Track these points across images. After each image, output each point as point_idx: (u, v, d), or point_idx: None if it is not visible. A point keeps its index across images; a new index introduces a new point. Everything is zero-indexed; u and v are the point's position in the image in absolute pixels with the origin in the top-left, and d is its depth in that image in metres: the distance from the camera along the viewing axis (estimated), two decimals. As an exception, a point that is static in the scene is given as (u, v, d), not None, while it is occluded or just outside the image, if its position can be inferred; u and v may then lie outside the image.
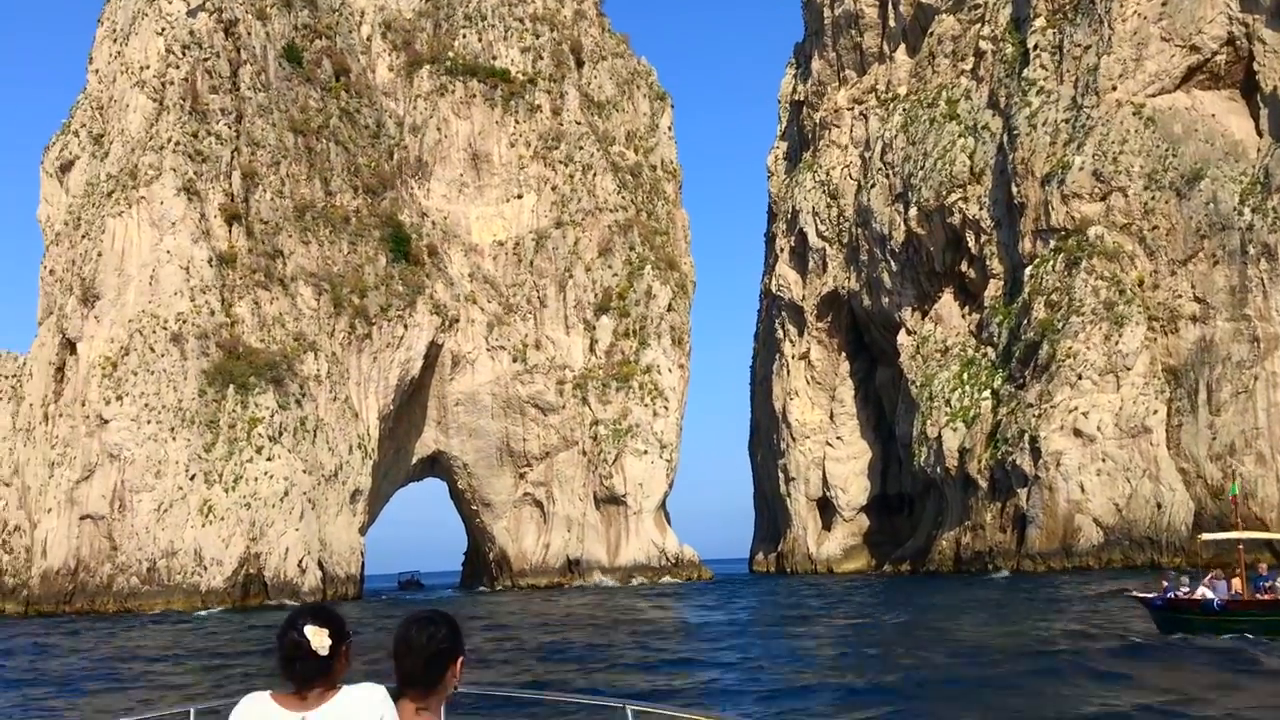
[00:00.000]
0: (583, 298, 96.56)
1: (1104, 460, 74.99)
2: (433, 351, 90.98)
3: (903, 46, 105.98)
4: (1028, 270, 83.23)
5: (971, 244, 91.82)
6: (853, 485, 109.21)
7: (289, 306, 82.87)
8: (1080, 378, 76.11)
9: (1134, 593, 31.79)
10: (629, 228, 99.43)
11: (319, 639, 3.72)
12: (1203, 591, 28.52)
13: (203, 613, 63.90)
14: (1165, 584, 30.23)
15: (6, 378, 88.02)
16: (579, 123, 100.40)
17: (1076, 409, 75.71)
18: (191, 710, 5.93)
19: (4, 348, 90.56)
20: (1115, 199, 79.85)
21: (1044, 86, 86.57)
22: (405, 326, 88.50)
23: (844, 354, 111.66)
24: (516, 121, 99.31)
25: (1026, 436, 77.45)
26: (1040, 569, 75.19)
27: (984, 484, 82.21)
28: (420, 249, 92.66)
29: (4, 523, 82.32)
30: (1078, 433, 75.52)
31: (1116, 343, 75.95)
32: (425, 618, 3.91)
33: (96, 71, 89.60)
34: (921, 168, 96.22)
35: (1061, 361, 76.73)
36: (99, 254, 79.60)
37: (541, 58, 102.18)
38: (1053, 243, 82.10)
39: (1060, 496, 75.72)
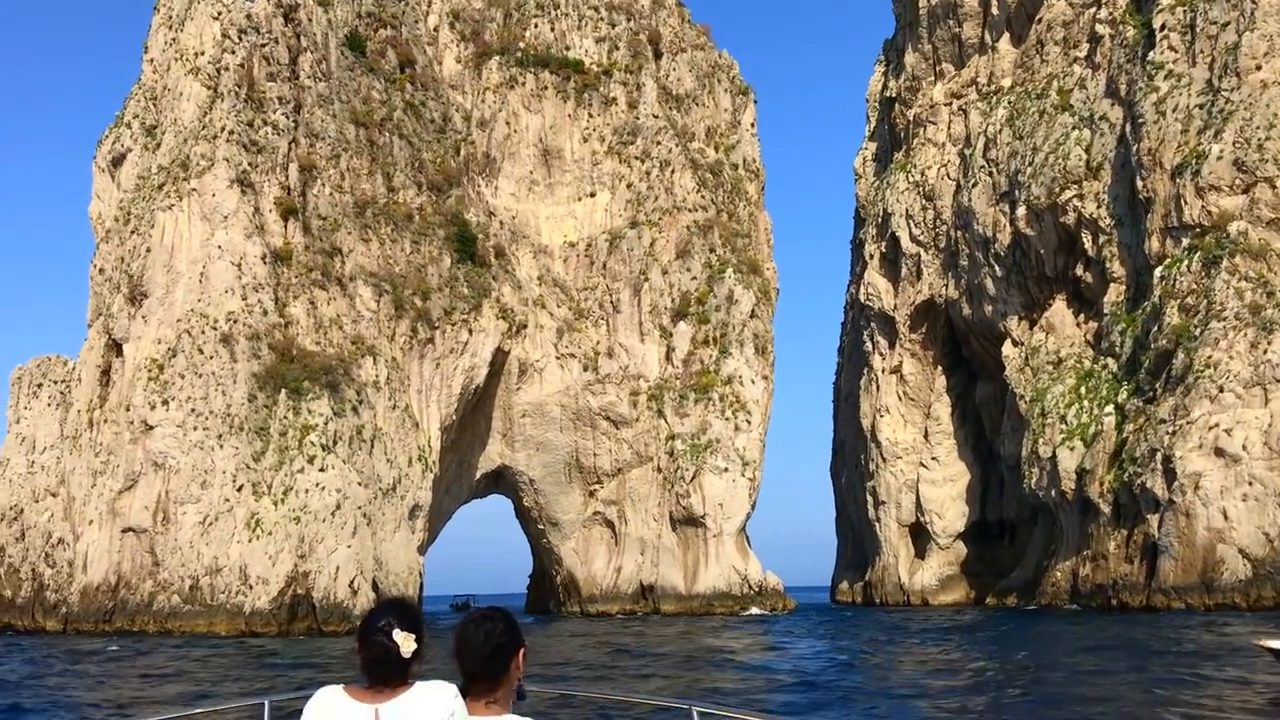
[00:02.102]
0: (659, 302, 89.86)
1: (1251, 484, 66.15)
2: (499, 359, 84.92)
3: (1006, 35, 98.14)
4: (1157, 272, 74.75)
5: (1088, 245, 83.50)
6: (949, 510, 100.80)
7: (347, 308, 77.38)
8: (1222, 390, 67.44)
9: (1265, 642, 25.57)
10: (709, 229, 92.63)
11: (407, 644, 3.79)
12: None
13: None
14: None
15: (56, 383, 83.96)
16: (656, 116, 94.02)
17: (1218, 425, 67.02)
18: (266, 702, 5.66)
19: (56, 352, 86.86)
20: (1260, 190, 71.20)
21: (1173, 70, 78.23)
22: (470, 331, 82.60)
23: (940, 368, 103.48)
24: (590, 115, 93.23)
25: (1159, 456, 68.87)
26: (1175, 605, 66.57)
27: (1107, 509, 73.66)
28: (487, 250, 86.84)
29: (48, 535, 77.75)
30: (1220, 452, 66.81)
31: (1265, 351, 67.18)
32: (482, 615, 4.03)
33: (151, 61, 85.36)
34: (1030, 164, 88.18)
35: (1200, 372, 68.11)
36: (147, 250, 74.82)
37: (617, 48, 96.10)
38: (1186, 241, 73.59)
39: (1199, 524, 66.99)
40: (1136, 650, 36.67)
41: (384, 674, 3.80)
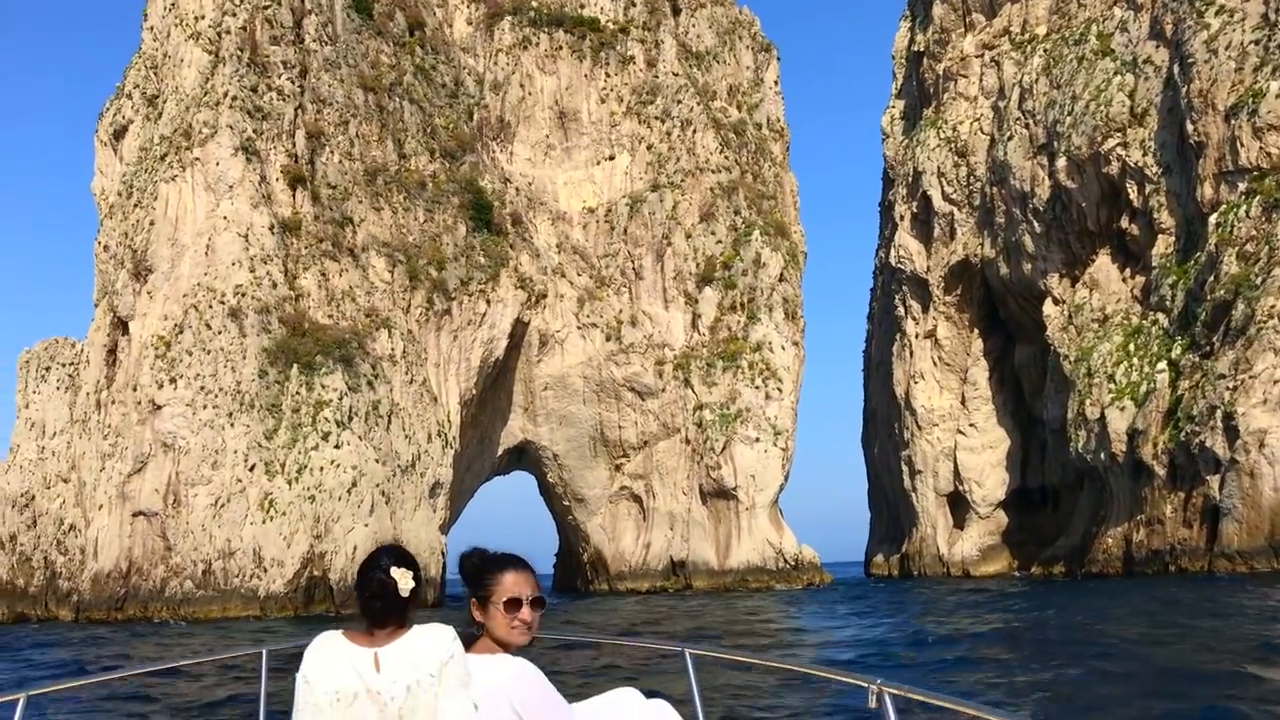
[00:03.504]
0: (683, 268, 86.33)
1: (1319, 440, 62.26)
2: (518, 330, 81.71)
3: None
4: (1211, 219, 70.65)
5: (1133, 195, 79.40)
6: (989, 478, 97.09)
7: (359, 279, 74.28)
8: (1286, 342, 63.46)
9: None
10: (733, 190, 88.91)
11: (405, 581, 3.90)
12: None
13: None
14: None
15: (64, 365, 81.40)
16: (676, 74, 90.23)
17: (1283, 379, 63.09)
18: (264, 650, 5.84)
19: (64, 334, 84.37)
20: (1323, 129, 67.04)
21: (1225, 5, 73.91)
22: (488, 302, 79.39)
23: (976, 330, 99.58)
24: (607, 75, 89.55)
25: (1219, 413, 65.00)
26: (1239, 570, 62.83)
27: (1161, 471, 69.86)
28: (503, 217, 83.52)
29: (60, 521, 75.45)
30: (1285, 407, 62.90)
31: (1332, 298, 63.18)
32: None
33: (151, 29, 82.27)
34: (1070, 113, 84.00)
35: (1263, 323, 64.14)
36: (151, 223, 71.89)
37: (634, 5, 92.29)
38: (1243, 185, 69.45)
39: (1265, 484, 63.13)
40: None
41: (382, 613, 3.82)
